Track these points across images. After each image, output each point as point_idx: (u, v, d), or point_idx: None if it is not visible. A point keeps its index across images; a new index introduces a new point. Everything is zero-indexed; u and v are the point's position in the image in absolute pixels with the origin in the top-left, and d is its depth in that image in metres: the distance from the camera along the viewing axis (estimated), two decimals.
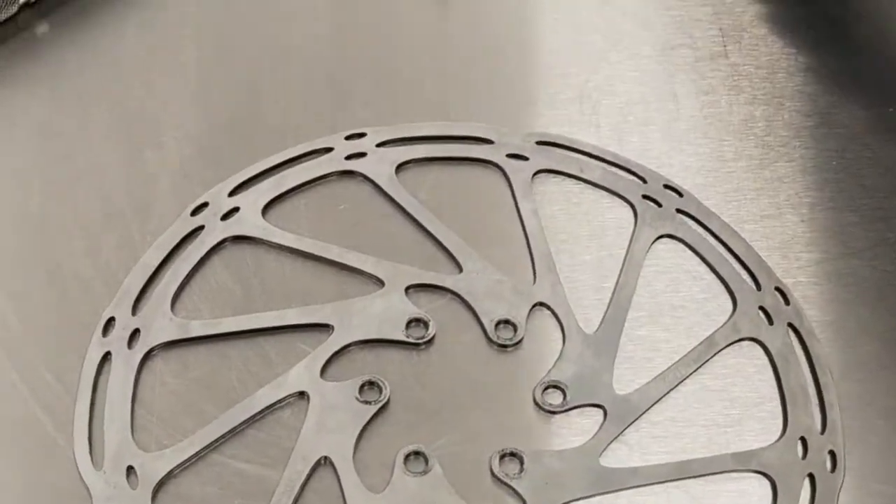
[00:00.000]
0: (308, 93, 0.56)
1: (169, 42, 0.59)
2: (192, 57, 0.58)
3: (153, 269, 0.47)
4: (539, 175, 0.52)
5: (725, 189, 0.52)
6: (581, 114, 0.56)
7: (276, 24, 0.59)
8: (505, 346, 0.45)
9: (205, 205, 0.50)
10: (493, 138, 0.53)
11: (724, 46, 0.60)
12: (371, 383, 0.43)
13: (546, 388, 0.43)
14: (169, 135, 0.54)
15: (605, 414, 0.43)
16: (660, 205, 0.50)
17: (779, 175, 0.53)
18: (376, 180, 0.51)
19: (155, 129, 0.54)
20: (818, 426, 0.43)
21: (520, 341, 0.45)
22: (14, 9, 0.56)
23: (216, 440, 0.42)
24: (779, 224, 0.50)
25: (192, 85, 0.57)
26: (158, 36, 0.59)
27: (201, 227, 0.49)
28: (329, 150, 0.53)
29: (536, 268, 0.48)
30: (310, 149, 0.53)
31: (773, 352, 0.45)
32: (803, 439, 0.42)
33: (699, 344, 0.45)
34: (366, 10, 0.60)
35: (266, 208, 0.50)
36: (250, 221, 0.49)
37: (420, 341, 0.45)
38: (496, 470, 0.41)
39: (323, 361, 0.44)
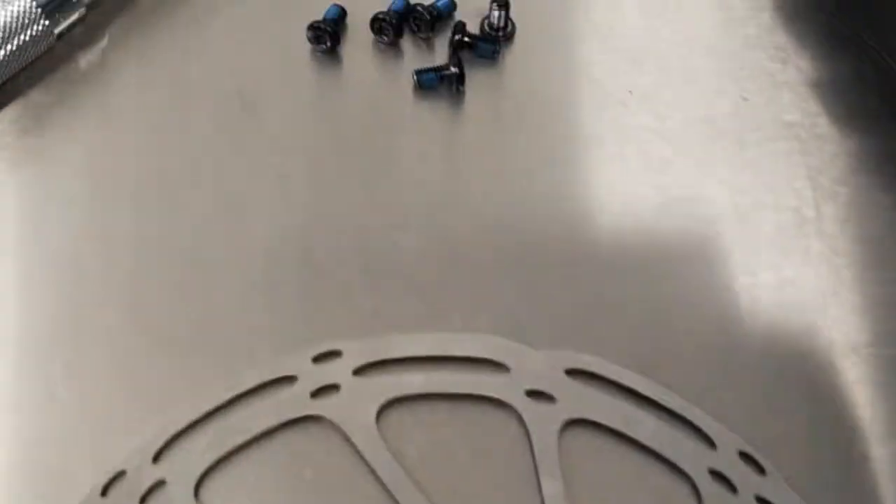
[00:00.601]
0: (273, 289, 0.43)
1: (110, 216, 0.46)
2: (132, 230, 0.45)
3: None
4: (569, 427, 0.39)
5: (813, 461, 0.39)
6: (625, 325, 0.42)
7: (238, 201, 0.46)
8: None
9: (121, 475, 0.37)
10: (508, 363, 0.40)
11: (817, 208, 0.46)
12: None
13: None
14: (92, 348, 0.41)
15: None
16: (734, 488, 0.37)
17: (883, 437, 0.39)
18: (350, 434, 0.39)
19: (77, 336, 0.42)
20: None
21: None
22: None
23: None
24: None
25: (128, 267, 0.44)
26: (99, 204, 0.46)
27: None
28: (291, 379, 0.40)
29: None
30: (267, 378, 0.40)
31: None
32: None
33: None
34: (348, 187, 0.46)
35: (201, 481, 0.38)
36: None
37: None
38: None
39: None
